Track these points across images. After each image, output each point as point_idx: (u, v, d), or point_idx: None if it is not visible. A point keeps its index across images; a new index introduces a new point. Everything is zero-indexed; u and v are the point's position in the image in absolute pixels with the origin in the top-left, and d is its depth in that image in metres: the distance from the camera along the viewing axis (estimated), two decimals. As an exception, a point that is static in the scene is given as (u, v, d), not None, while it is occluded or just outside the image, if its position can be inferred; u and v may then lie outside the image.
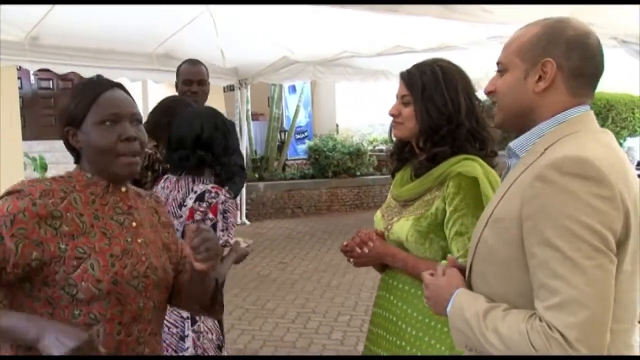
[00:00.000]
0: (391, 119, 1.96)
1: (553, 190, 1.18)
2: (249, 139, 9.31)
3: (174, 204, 2.39)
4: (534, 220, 1.20)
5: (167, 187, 2.45)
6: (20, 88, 8.38)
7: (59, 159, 7.81)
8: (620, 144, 12.03)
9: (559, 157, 1.21)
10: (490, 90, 1.41)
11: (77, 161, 1.57)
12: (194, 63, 3.45)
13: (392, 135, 1.97)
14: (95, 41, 5.49)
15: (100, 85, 1.55)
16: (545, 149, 1.27)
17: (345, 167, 9.80)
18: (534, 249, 1.19)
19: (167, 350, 2.31)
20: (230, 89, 8.63)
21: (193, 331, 2.37)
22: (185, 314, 2.33)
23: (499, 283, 1.29)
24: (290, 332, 4.54)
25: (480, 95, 1.88)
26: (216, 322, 2.44)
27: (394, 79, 1.79)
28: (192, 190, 2.37)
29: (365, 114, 11.04)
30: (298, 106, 10.42)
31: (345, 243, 1.95)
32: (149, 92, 8.80)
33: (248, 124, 9.31)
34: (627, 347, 1.28)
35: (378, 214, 2.03)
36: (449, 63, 1.92)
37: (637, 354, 1.33)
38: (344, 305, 5.12)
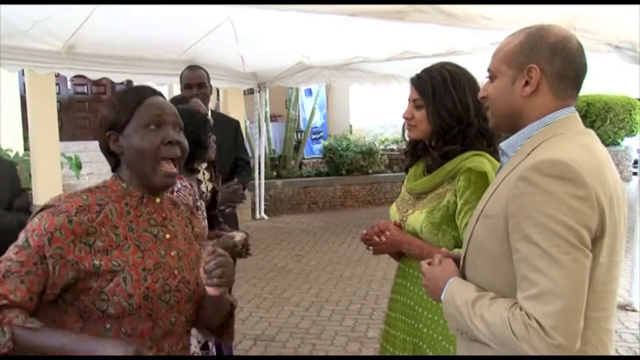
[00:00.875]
0: (403, 120, 1.99)
1: (534, 191, 1.21)
2: (267, 139, 9.34)
3: None
4: (517, 218, 1.23)
5: None
6: (58, 93, 8.50)
7: (92, 158, 7.91)
8: (618, 144, 11.90)
9: (540, 160, 1.23)
10: (483, 96, 1.43)
11: (114, 169, 1.49)
12: (193, 69, 3.52)
13: (406, 136, 1.99)
14: (125, 49, 5.54)
15: (144, 92, 1.49)
16: (531, 151, 1.29)
17: (358, 166, 9.79)
18: (517, 245, 1.22)
19: None
20: (250, 92, 8.68)
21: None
22: (198, 338, 2.23)
23: (489, 274, 1.32)
24: (304, 320, 4.57)
25: None
26: None
27: (404, 82, 1.79)
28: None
29: (377, 115, 11.00)
30: (314, 108, 10.42)
31: (364, 232, 1.98)
32: (175, 95, 8.87)
33: (267, 124, 9.35)
34: (606, 332, 1.31)
35: (393, 207, 2.05)
36: (456, 66, 1.94)
37: (614, 338, 1.36)
38: (355, 295, 5.14)
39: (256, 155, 8.24)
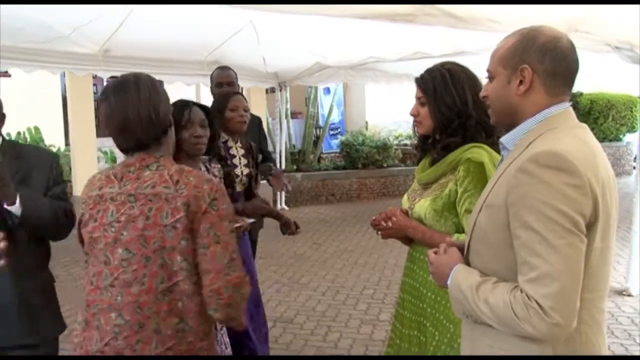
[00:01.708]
0: (401, 112, 2.04)
1: (532, 181, 1.22)
2: (288, 134, 9.36)
3: None
4: (517, 207, 1.24)
5: None
6: (95, 93, 8.63)
7: (125, 152, 8.03)
8: (620, 139, 11.73)
9: (537, 152, 1.24)
10: (484, 95, 1.45)
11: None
12: (223, 69, 3.60)
13: (416, 132, 2.04)
14: (156, 52, 5.60)
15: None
16: (529, 144, 1.30)
17: (373, 160, 9.76)
18: (517, 232, 1.23)
19: None
20: (271, 90, 8.71)
21: None
22: None
23: (492, 260, 1.33)
24: (320, 303, 4.60)
25: None
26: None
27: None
28: None
29: (392, 112, 10.94)
30: (332, 105, 10.41)
31: (373, 217, 2.02)
32: (201, 93, 8.96)
33: (287, 121, 9.36)
34: (600, 311, 1.32)
35: (405, 196, 2.09)
36: (455, 64, 1.97)
37: (606, 317, 1.36)
38: (369, 281, 5.15)
39: (277, 150, 8.28)
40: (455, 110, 1.87)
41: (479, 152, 1.84)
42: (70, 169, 6.96)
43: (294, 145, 9.98)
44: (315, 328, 4.09)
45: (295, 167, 9.46)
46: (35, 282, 2.02)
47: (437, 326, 1.88)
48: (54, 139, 8.32)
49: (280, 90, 8.16)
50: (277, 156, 8.18)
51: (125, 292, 1.40)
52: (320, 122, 10.46)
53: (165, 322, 1.39)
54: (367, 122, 11.36)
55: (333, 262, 5.81)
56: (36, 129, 8.21)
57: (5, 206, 1.90)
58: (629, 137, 11.75)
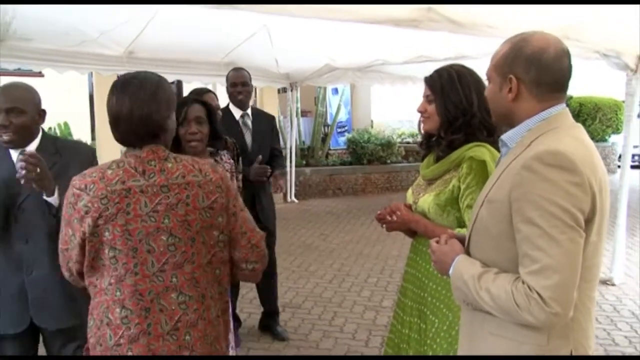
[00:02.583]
0: (418, 115, 2.02)
1: (535, 178, 1.21)
2: (298, 132, 9.37)
3: None
4: (520, 203, 1.23)
5: None
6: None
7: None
8: (606, 140, 11.92)
9: (541, 151, 1.23)
10: (486, 96, 1.45)
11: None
12: (238, 70, 3.60)
13: (421, 129, 2.02)
14: (176, 53, 5.62)
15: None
16: (531, 142, 1.29)
17: (377, 156, 9.74)
18: (520, 226, 1.23)
19: None
20: (283, 90, 8.70)
21: None
22: None
23: (492, 252, 1.32)
24: (327, 290, 4.61)
25: None
26: None
27: (419, 83, 1.80)
28: None
29: (396, 112, 10.93)
30: (339, 105, 10.39)
31: (378, 212, 2.03)
32: (218, 92, 8.96)
33: (298, 119, 9.37)
34: (591, 299, 1.33)
35: (409, 191, 2.09)
36: (463, 67, 1.96)
37: (595, 304, 1.36)
38: (373, 270, 5.15)
39: (288, 146, 8.27)
40: (460, 109, 1.87)
41: (482, 150, 1.83)
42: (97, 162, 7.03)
43: (303, 142, 9.97)
44: (322, 313, 4.11)
45: (304, 162, 9.46)
46: None
47: (436, 314, 1.88)
48: (81, 134, 8.39)
49: (292, 90, 8.16)
50: (288, 152, 8.18)
51: (179, 272, 1.44)
52: (329, 121, 10.44)
53: (213, 289, 1.51)
54: (372, 121, 11.34)
55: (339, 252, 5.81)
56: (65, 124, 8.29)
57: (45, 197, 1.92)
58: (614, 138, 11.94)
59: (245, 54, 5.82)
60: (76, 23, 4.39)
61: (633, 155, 5.74)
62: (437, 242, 1.46)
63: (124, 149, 1.54)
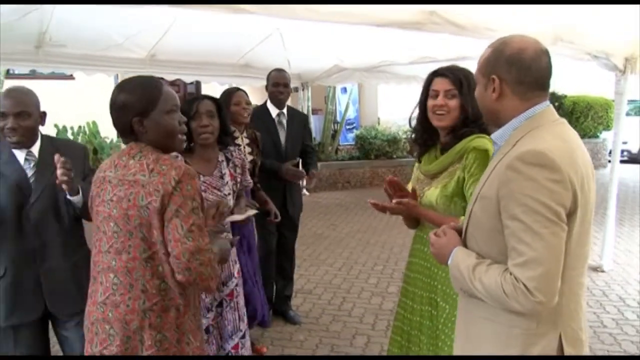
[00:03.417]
0: (411, 111, 1.96)
1: (519, 177, 1.22)
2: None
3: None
4: (506, 200, 1.25)
5: None
6: (142, 92, 8.70)
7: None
8: (597, 137, 11.92)
9: (523, 151, 1.25)
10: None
11: (130, 140, 1.56)
12: (280, 71, 3.54)
13: (435, 124, 1.90)
14: (194, 56, 5.65)
15: (160, 82, 1.56)
16: (516, 142, 1.30)
17: (384, 151, 9.75)
18: (507, 222, 1.25)
19: None
20: (295, 90, 8.69)
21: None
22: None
23: (485, 244, 1.34)
24: (336, 277, 4.64)
25: None
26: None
27: (422, 82, 1.73)
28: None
29: (401, 110, 10.81)
30: (348, 103, 10.38)
31: (372, 201, 1.99)
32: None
33: (309, 117, 9.37)
34: (579, 285, 1.34)
35: (410, 187, 2.04)
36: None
37: (585, 290, 1.37)
38: (379, 258, 5.17)
39: (299, 142, 8.28)
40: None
41: (483, 141, 1.81)
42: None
43: (314, 138, 9.94)
44: (331, 298, 4.14)
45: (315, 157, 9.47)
46: (80, 256, 2.07)
47: (447, 300, 1.87)
48: (108, 132, 8.46)
49: (303, 90, 8.16)
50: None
51: (118, 258, 1.50)
52: (338, 118, 10.44)
53: (150, 283, 1.49)
54: (379, 118, 11.29)
55: (348, 241, 5.83)
56: (94, 123, 8.37)
57: (69, 197, 1.95)
58: (604, 135, 12.04)
59: (259, 55, 5.83)
60: (104, 29, 4.46)
61: (622, 151, 5.77)
62: (436, 234, 1.47)
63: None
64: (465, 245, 1.40)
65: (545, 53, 1.33)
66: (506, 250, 1.25)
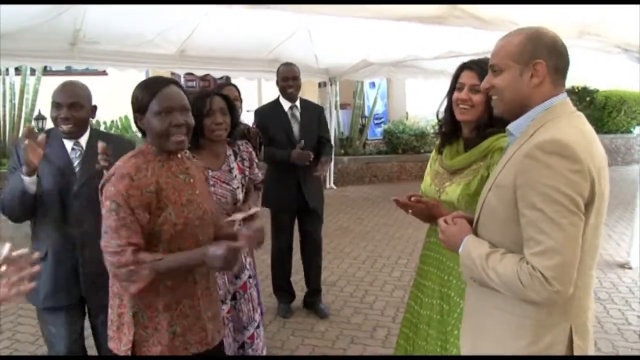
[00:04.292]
0: (440, 103, 1.91)
1: (538, 166, 1.22)
2: (337, 123, 9.36)
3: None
4: (524, 189, 1.23)
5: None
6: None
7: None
8: (630, 132, 11.39)
9: (543, 140, 1.23)
10: (488, 87, 1.39)
11: (144, 136, 1.61)
12: (288, 65, 3.56)
13: (457, 118, 1.85)
14: (223, 51, 5.74)
15: (159, 83, 1.56)
16: (534, 132, 1.29)
17: (412, 146, 9.64)
18: (524, 211, 1.24)
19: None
20: (323, 84, 8.72)
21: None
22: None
23: (498, 234, 1.33)
24: (360, 270, 4.64)
25: None
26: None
27: (450, 77, 1.67)
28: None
29: (429, 104, 10.69)
30: (376, 98, 10.31)
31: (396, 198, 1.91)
32: (262, 87, 9.10)
33: (337, 111, 9.34)
34: (590, 277, 1.33)
35: (428, 179, 1.99)
36: None
37: (594, 281, 1.35)
38: (404, 252, 5.14)
39: (327, 137, 8.31)
40: None
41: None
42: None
43: (342, 133, 9.96)
44: (354, 291, 4.15)
45: (343, 151, 9.47)
46: None
47: (461, 295, 1.82)
48: (140, 127, 8.74)
49: (331, 85, 8.17)
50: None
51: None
52: (366, 113, 10.37)
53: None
54: (407, 113, 11.18)
55: (373, 234, 5.82)
56: (126, 118, 8.62)
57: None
58: (638, 130, 11.52)
59: (287, 51, 5.88)
60: (135, 27, 4.60)
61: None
62: (445, 221, 1.46)
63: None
64: (475, 234, 1.39)
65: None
66: (520, 240, 1.25)
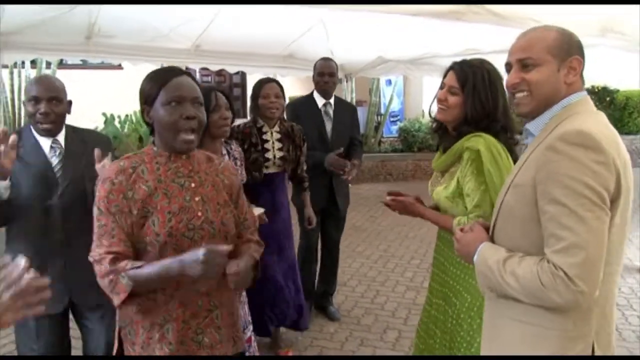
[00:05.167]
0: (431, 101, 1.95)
1: (560, 157, 1.16)
2: (352, 120, 9.34)
3: None
4: (545, 183, 1.17)
5: None
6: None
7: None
8: None
9: (565, 131, 1.18)
10: (518, 82, 1.30)
11: (151, 133, 1.50)
12: (326, 60, 3.46)
13: (436, 116, 1.92)
14: (239, 46, 5.71)
15: (170, 72, 1.45)
16: (555, 127, 1.25)
17: (427, 144, 9.54)
18: (546, 207, 1.18)
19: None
20: (339, 81, 8.67)
21: None
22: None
23: (517, 236, 1.27)
24: (372, 270, 4.61)
25: None
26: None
27: None
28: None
29: (447, 102, 10.60)
30: (392, 95, 10.23)
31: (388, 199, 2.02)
32: (279, 83, 9.06)
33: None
34: (615, 284, 1.27)
35: (430, 182, 2.05)
36: (494, 67, 1.86)
37: (617, 289, 1.29)
38: (417, 252, 5.10)
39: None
40: (486, 110, 1.79)
41: (476, 140, 1.77)
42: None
43: (357, 130, 9.94)
44: (365, 291, 4.12)
45: (358, 149, 9.44)
46: None
47: (457, 296, 1.88)
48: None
49: (347, 81, 8.08)
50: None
51: None
52: (382, 110, 10.33)
53: None
54: (423, 111, 11.06)
55: (386, 234, 5.78)
56: (140, 111, 8.69)
57: None
58: None
59: (303, 46, 5.83)
60: (150, 21, 4.60)
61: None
62: (462, 230, 1.41)
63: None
64: (492, 241, 1.34)
65: None
66: (540, 243, 1.18)
